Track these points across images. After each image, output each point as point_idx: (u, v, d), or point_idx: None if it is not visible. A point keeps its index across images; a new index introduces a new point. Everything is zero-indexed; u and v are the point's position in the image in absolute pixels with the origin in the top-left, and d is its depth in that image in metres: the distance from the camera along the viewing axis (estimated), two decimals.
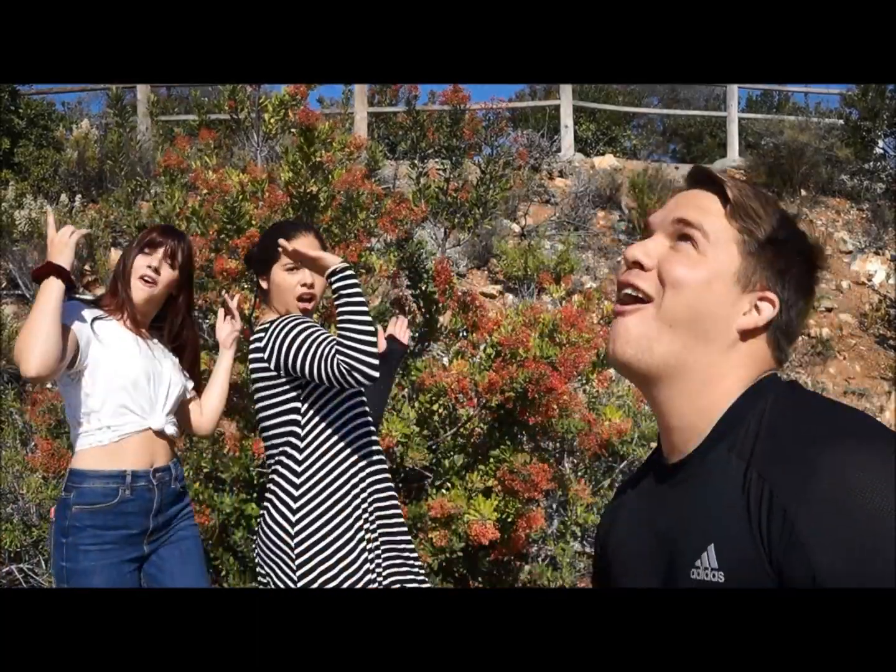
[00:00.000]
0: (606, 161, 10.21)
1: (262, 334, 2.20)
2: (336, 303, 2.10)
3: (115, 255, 6.74)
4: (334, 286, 2.10)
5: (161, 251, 2.39)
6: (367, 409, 2.31)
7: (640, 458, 4.25)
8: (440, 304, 3.73)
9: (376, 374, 2.04)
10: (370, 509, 2.23)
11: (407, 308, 3.98)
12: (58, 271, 2.16)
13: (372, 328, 2.07)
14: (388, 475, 2.32)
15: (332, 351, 2.05)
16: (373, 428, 2.32)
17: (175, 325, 2.51)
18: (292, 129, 4.15)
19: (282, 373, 2.16)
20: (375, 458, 2.28)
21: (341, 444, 2.20)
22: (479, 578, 3.67)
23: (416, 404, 3.54)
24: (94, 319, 2.31)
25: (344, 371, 2.02)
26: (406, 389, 3.73)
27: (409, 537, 2.33)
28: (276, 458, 2.23)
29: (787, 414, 0.90)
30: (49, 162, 8.13)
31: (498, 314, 3.94)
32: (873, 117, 9.82)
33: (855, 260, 9.21)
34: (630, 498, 1.08)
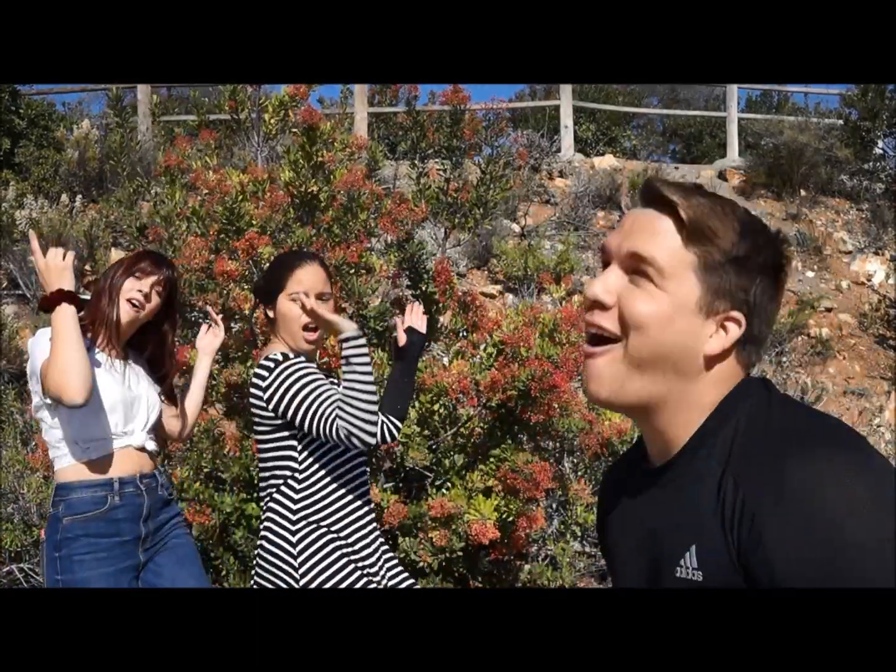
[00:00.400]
0: (606, 161, 10.22)
1: (265, 373, 2.21)
2: (343, 368, 2.15)
3: (115, 255, 6.75)
4: (344, 352, 2.15)
5: (152, 280, 2.38)
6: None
7: None
8: (440, 304, 3.73)
9: (373, 441, 2.11)
10: (368, 532, 2.27)
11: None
12: (69, 298, 2.15)
13: (375, 397, 2.12)
14: (374, 518, 2.35)
15: (333, 415, 2.10)
16: (366, 468, 2.37)
17: (158, 354, 2.50)
18: (293, 129, 4.15)
19: (279, 420, 2.19)
20: (367, 498, 2.32)
21: (337, 484, 2.24)
22: (479, 578, 3.67)
23: (417, 404, 3.54)
24: None
25: (343, 436, 2.09)
26: None
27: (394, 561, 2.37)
28: (273, 488, 2.26)
29: (761, 419, 0.91)
30: (49, 162, 8.14)
31: (498, 314, 3.94)
32: (873, 117, 9.83)
33: (855, 260, 9.22)
34: (619, 495, 1.09)
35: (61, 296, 2.15)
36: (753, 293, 0.94)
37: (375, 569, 2.24)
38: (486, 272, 8.06)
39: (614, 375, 0.96)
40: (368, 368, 2.14)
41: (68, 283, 2.17)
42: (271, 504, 2.24)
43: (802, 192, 10.00)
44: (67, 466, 2.29)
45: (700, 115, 13.39)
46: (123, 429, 2.34)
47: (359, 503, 2.26)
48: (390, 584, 2.27)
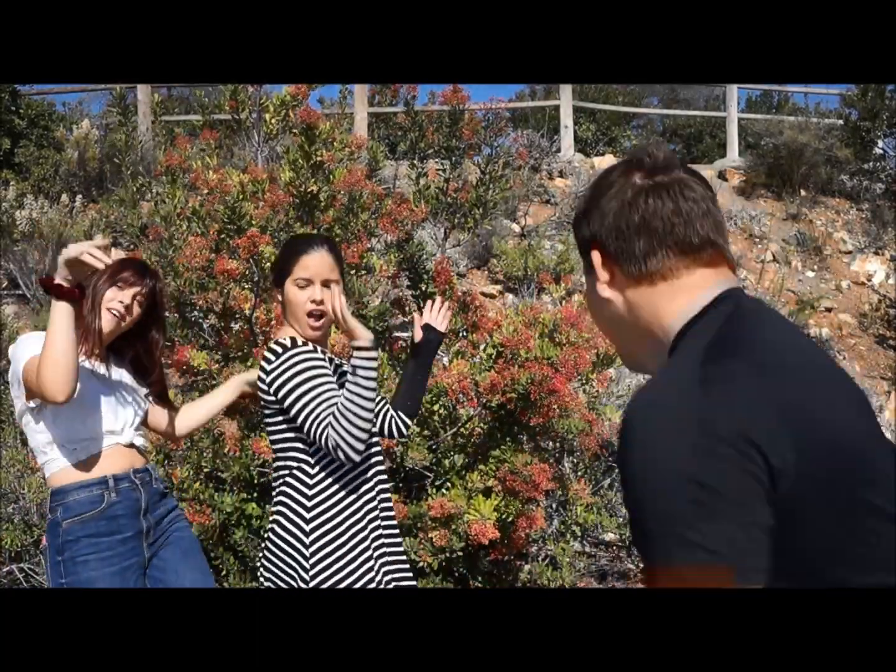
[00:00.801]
0: (606, 161, 10.21)
1: (272, 357, 2.19)
2: (348, 376, 2.11)
3: (114, 255, 6.73)
4: (353, 361, 2.11)
5: (134, 290, 2.36)
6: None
7: None
8: None
9: (357, 458, 2.08)
10: (376, 519, 2.23)
11: (407, 308, 3.98)
12: (81, 294, 2.15)
13: (371, 415, 2.09)
14: (390, 498, 2.32)
15: (326, 421, 2.07)
16: (380, 447, 2.34)
17: (148, 361, 2.49)
18: (293, 129, 4.15)
19: (280, 405, 2.18)
20: (381, 478, 2.28)
21: (349, 468, 2.21)
22: (479, 578, 3.67)
23: None
24: None
25: (330, 445, 2.07)
26: None
27: (402, 547, 2.34)
28: (286, 473, 2.23)
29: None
30: (50, 162, 8.14)
31: (498, 314, 3.94)
32: (873, 117, 9.83)
33: (854, 260, 9.22)
34: None
35: (73, 293, 2.11)
36: (591, 227, 1.05)
37: (380, 562, 2.21)
38: (485, 272, 8.06)
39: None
40: (373, 384, 2.10)
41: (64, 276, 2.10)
42: (283, 488, 2.21)
43: (802, 192, 10.00)
44: (58, 471, 2.29)
45: (700, 115, 13.39)
46: (109, 428, 2.34)
47: (370, 484, 2.22)
48: (386, 578, 2.23)
